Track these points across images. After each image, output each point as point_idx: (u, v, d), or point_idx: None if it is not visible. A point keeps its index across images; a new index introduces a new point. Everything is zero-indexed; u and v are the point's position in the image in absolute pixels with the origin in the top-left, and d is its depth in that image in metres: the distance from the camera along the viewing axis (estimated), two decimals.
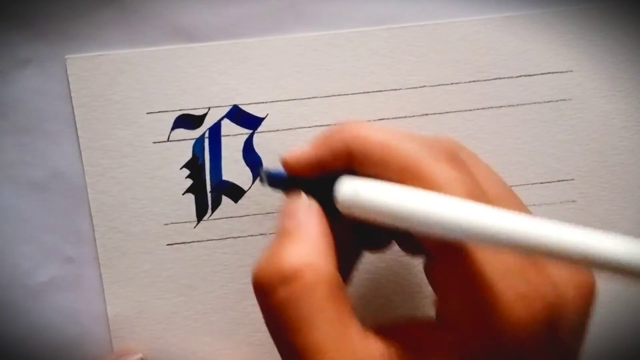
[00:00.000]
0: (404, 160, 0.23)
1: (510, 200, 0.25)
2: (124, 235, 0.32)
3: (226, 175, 0.32)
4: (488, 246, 0.21)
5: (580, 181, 0.33)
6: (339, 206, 0.24)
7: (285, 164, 0.26)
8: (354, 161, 0.25)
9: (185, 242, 0.32)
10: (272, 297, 0.23)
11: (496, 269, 0.22)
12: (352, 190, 0.24)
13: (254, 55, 0.31)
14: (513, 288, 0.22)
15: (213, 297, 0.32)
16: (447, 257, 0.23)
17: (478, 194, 0.23)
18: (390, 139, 0.24)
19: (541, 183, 0.33)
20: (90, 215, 0.31)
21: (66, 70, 0.30)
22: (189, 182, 0.32)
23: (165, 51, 0.30)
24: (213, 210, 0.32)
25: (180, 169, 0.31)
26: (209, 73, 0.31)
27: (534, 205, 0.33)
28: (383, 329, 0.24)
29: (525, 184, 0.33)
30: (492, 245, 0.20)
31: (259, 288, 0.23)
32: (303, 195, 0.25)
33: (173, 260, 0.32)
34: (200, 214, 0.32)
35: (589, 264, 0.19)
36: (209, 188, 0.32)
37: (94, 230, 0.31)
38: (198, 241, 0.32)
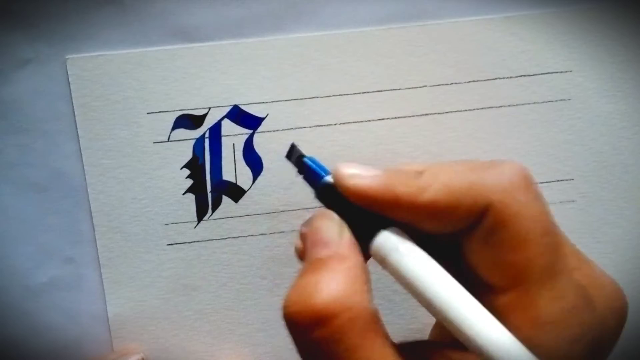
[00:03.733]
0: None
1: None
2: (124, 235, 0.32)
3: (226, 175, 0.32)
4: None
5: (580, 181, 0.33)
6: (372, 252, 0.23)
7: (340, 184, 0.24)
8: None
9: (185, 242, 0.32)
10: (306, 336, 0.22)
11: (556, 311, 0.23)
12: (392, 247, 0.23)
13: (254, 55, 0.31)
14: (570, 330, 0.23)
15: (213, 297, 0.32)
16: (515, 294, 0.23)
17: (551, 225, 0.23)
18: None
19: (541, 183, 0.33)
20: (91, 216, 0.31)
21: (66, 71, 0.30)
22: (190, 182, 0.32)
23: (165, 51, 0.30)
24: (213, 210, 0.32)
25: (181, 169, 0.31)
26: (209, 73, 0.31)
27: None
28: (419, 352, 0.24)
29: None
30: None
31: (292, 326, 0.22)
32: (336, 218, 0.24)
33: (173, 260, 0.32)
34: (201, 214, 0.32)
35: None
36: (209, 188, 0.32)
37: (94, 230, 0.31)
38: (198, 241, 0.32)
